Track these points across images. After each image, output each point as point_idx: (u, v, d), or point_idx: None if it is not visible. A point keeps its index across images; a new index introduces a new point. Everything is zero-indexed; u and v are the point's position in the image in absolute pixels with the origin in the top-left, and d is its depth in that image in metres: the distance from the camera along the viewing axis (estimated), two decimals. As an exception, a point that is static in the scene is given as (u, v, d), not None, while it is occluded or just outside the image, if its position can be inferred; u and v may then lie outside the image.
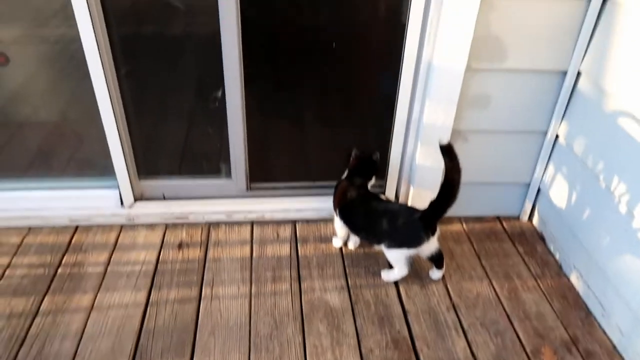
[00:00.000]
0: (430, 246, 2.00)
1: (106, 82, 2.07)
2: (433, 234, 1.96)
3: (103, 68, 2.04)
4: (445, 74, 2.04)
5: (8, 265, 2.16)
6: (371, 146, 2.29)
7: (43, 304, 1.98)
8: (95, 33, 1.96)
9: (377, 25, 2.31)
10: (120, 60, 2.12)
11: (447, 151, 1.83)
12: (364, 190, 2.13)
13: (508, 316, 1.99)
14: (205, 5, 2.10)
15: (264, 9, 2.17)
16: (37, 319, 1.92)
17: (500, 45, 2.02)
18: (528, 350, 1.85)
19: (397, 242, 1.98)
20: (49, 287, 2.06)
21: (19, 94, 2.47)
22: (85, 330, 1.88)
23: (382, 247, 2.04)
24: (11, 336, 1.85)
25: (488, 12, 1.93)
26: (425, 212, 1.94)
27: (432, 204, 1.91)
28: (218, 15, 2.02)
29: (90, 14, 1.92)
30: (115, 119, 2.17)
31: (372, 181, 2.20)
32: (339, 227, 2.21)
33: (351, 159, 2.21)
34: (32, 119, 2.50)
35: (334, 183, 2.31)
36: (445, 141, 1.84)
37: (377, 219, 2.02)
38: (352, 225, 2.13)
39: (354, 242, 2.28)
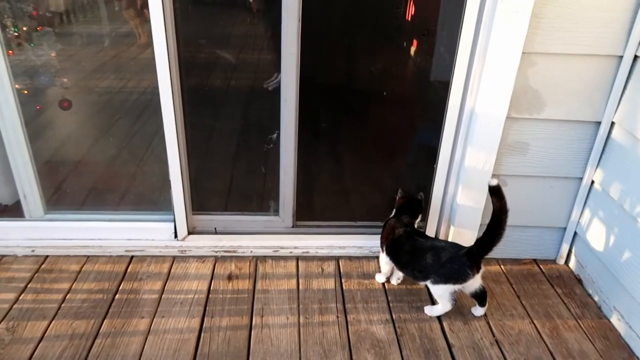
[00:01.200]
0: (475, 283, 2.08)
1: (175, 125, 2.28)
2: (478, 270, 2.05)
3: (174, 113, 2.25)
4: (486, 122, 2.21)
5: (69, 290, 2.29)
6: (414, 188, 2.43)
7: (103, 327, 2.09)
8: (171, 82, 2.19)
9: (422, 77, 2.53)
10: (188, 105, 2.34)
11: (496, 192, 1.95)
12: (411, 228, 2.25)
13: (551, 353, 2.04)
14: (268, 59, 2.36)
15: (320, 64, 2.40)
16: (98, 340, 2.03)
17: (538, 97, 2.19)
18: (573, 386, 1.89)
19: (442, 278, 2.07)
20: (107, 311, 2.18)
21: (80, 135, 2.70)
22: (144, 353, 1.98)
23: (428, 283, 2.13)
24: (74, 355, 1.95)
25: (527, 67, 2.11)
26: (471, 248, 2.04)
27: (479, 241, 2.02)
28: (280, 68, 2.24)
29: (169, 66, 2.15)
30: (180, 158, 2.36)
31: (418, 220, 2.32)
32: (384, 264, 2.32)
33: (397, 198, 2.34)
34: (91, 157, 2.71)
35: (375, 223, 2.45)
36: (494, 182, 1.96)
37: (424, 255, 2.12)
38: (399, 261, 2.23)
39: (396, 278, 2.37)
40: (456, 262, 2.04)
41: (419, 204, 2.31)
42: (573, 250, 2.53)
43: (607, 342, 2.10)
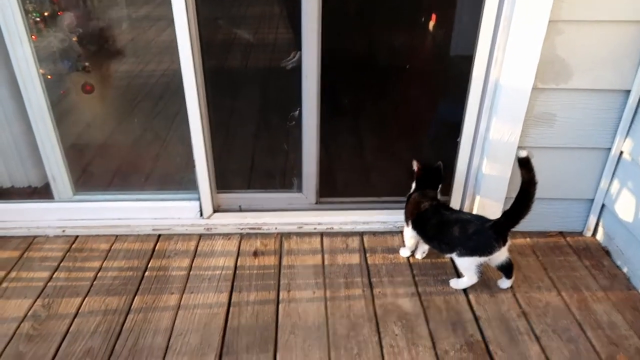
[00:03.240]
0: (501, 255, 2.08)
1: (199, 105, 2.29)
2: (504, 243, 2.04)
3: (197, 93, 2.26)
4: (511, 94, 2.17)
5: (100, 268, 2.35)
6: (436, 162, 2.41)
7: (134, 303, 2.15)
8: (194, 63, 2.20)
9: (443, 50, 2.49)
10: (210, 85, 2.34)
11: (525, 163, 1.93)
12: (436, 201, 2.24)
13: (579, 324, 2.03)
14: (286, 38, 2.34)
15: (342, 38, 2.38)
16: (130, 316, 2.08)
17: (565, 66, 2.14)
18: (603, 357, 1.89)
19: (468, 250, 2.07)
20: (138, 287, 2.23)
21: (103, 118, 2.74)
22: (175, 327, 2.03)
23: (454, 256, 2.13)
24: (108, 330, 2.01)
25: (554, 35, 2.06)
26: (498, 221, 2.03)
27: (506, 213, 2.01)
28: (298, 46, 2.23)
29: (191, 46, 2.16)
30: (203, 138, 2.38)
31: (439, 189, 2.30)
32: (409, 238, 2.32)
33: (416, 170, 2.31)
34: (116, 139, 2.75)
35: (398, 198, 2.44)
36: (524, 154, 1.93)
37: (450, 228, 2.12)
38: (425, 234, 2.23)
39: (421, 252, 2.37)
40: (482, 235, 2.03)
41: (438, 173, 2.29)
42: (601, 222, 2.49)
43: (637, 313, 2.09)
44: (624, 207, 2.29)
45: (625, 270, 2.30)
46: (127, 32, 2.55)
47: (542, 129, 2.28)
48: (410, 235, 2.29)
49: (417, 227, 2.24)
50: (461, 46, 2.41)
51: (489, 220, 2.06)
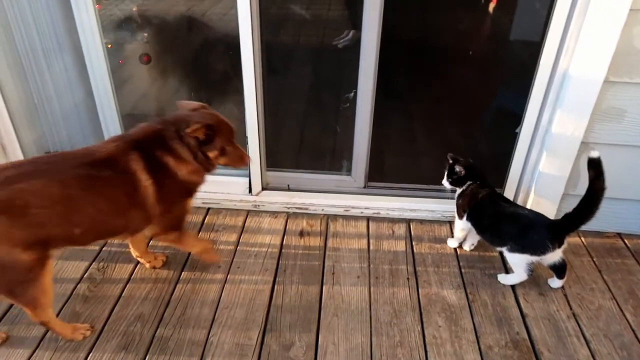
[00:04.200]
0: (554, 256, 2.01)
1: (254, 81, 2.29)
2: (560, 246, 1.97)
3: (254, 70, 2.26)
4: (580, 85, 2.06)
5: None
6: (493, 153, 2.34)
7: (183, 274, 2.21)
8: (252, 38, 2.19)
9: (505, 31, 2.39)
10: (265, 61, 2.33)
11: (596, 165, 1.82)
12: (493, 191, 2.17)
13: (633, 331, 1.95)
14: (341, 15, 2.30)
15: (402, 19, 2.31)
16: (179, 285, 2.15)
17: (642, 59, 2.01)
18: (657, 367, 1.82)
19: (520, 247, 2.01)
20: (187, 259, 2.29)
21: (159, 89, 2.78)
22: (221, 300, 2.08)
23: (504, 250, 2.07)
24: (158, 297, 2.09)
25: (633, 25, 1.93)
26: (557, 222, 1.96)
27: (568, 215, 1.93)
28: (361, 26, 2.18)
29: (251, 21, 2.14)
30: (257, 115, 2.38)
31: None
32: (460, 229, 2.27)
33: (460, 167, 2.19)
34: (170, 110, 2.79)
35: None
36: (596, 154, 1.82)
37: (505, 221, 2.06)
38: (479, 224, 2.17)
39: (470, 244, 2.33)
40: (537, 233, 1.97)
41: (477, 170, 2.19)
42: (663, 226, 2.37)
43: (697, 324, 1.99)
44: (691, 212, 2.17)
45: (687, 278, 2.19)
46: (184, 3, 2.56)
47: (609, 125, 2.17)
48: (461, 227, 2.24)
49: (472, 218, 2.17)
50: (523, 31, 2.30)
51: (548, 220, 1.99)
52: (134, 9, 2.57)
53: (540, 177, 2.30)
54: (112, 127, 2.59)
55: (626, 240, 2.43)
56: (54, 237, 1.63)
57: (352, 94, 2.39)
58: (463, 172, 2.16)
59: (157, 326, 1.95)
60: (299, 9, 2.50)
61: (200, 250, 2.16)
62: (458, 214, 2.24)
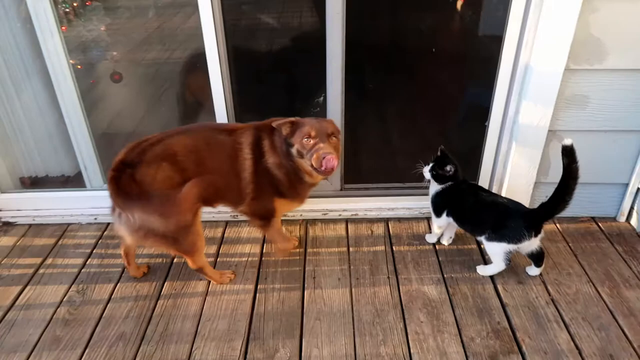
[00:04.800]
0: (532, 245, 2.03)
1: (223, 90, 2.31)
2: (537, 234, 1.99)
3: (222, 79, 2.28)
4: (542, 76, 2.10)
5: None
6: (464, 147, 2.36)
7: (164, 289, 2.20)
8: (218, 50, 2.21)
9: (470, 32, 2.42)
10: (234, 71, 2.35)
11: (569, 153, 1.84)
12: (469, 182, 2.19)
13: (611, 312, 1.98)
14: (312, 22, 2.32)
15: (366, 23, 2.34)
16: (160, 301, 2.14)
17: (599, 45, 2.05)
18: (635, 345, 1.84)
19: (497, 236, 2.03)
20: (167, 274, 2.28)
21: (132, 106, 2.78)
22: (203, 313, 2.07)
23: (483, 239, 2.10)
24: (139, 315, 2.07)
25: (588, 13, 1.98)
26: (533, 211, 1.99)
27: (543, 205, 1.96)
28: (325, 31, 2.20)
29: (216, 33, 2.17)
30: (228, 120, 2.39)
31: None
32: (438, 225, 2.29)
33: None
34: (144, 127, 2.79)
35: (424, 184, 2.40)
36: (568, 142, 1.84)
37: (484, 210, 2.08)
38: (460, 217, 2.17)
39: (447, 238, 2.35)
40: (514, 222, 1.99)
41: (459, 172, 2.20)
42: (635, 207, 2.41)
43: (672, 300, 2.02)
44: (660, 192, 2.21)
45: (661, 256, 2.23)
46: (154, 20, 2.56)
47: (574, 112, 2.21)
48: (441, 224, 2.26)
49: (453, 212, 2.18)
50: (490, 26, 2.34)
51: (525, 209, 2.02)
52: (102, 29, 2.57)
53: (512, 167, 2.34)
54: (84, 148, 2.57)
55: (600, 224, 2.47)
56: None
57: (321, 98, 2.41)
58: (452, 172, 2.14)
59: (140, 344, 1.94)
60: (267, 18, 2.52)
61: (279, 247, 2.30)
62: (436, 213, 2.25)
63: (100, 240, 2.50)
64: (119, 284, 2.23)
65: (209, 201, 2.07)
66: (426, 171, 2.18)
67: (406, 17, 2.43)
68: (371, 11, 2.40)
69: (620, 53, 2.05)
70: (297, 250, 2.39)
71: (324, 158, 1.79)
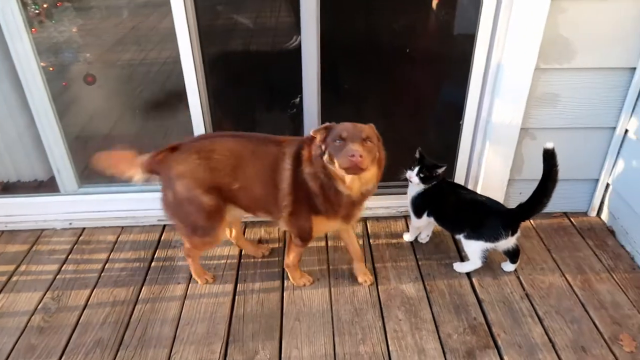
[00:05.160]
0: (509, 243, 2.07)
1: (199, 92, 2.29)
2: (513, 233, 2.04)
3: (197, 81, 2.27)
4: (514, 75, 2.14)
5: (107, 260, 2.38)
6: (440, 146, 2.39)
7: (142, 293, 2.18)
8: (192, 51, 2.19)
9: (443, 34, 2.45)
10: (210, 73, 2.34)
11: (549, 156, 1.88)
12: (448, 181, 2.22)
13: (583, 305, 2.03)
14: (288, 22, 2.32)
15: (341, 23, 2.35)
16: (138, 306, 2.12)
17: (568, 45, 2.10)
18: (606, 336, 1.90)
19: (476, 234, 2.07)
20: (145, 278, 2.26)
21: (106, 109, 2.74)
22: (182, 316, 2.06)
23: (461, 237, 2.13)
24: (117, 321, 2.05)
25: (557, 14, 2.03)
26: (511, 211, 2.03)
27: (521, 205, 2.00)
28: (300, 32, 2.21)
29: (189, 34, 2.15)
30: (204, 126, 2.38)
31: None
32: (417, 226, 2.32)
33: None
34: (119, 130, 2.75)
35: (402, 183, 2.42)
36: (550, 145, 1.87)
37: (463, 209, 2.11)
38: (440, 216, 2.19)
39: (425, 235, 2.38)
40: (492, 221, 2.03)
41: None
42: (605, 202, 2.48)
43: (640, 292, 2.09)
44: (628, 187, 2.28)
45: (629, 249, 2.29)
46: (128, 20, 2.53)
47: (545, 110, 2.26)
48: (420, 224, 2.29)
49: (433, 212, 2.20)
50: (466, 25, 2.36)
51: (503, 208, 2.07)
52: (74, 30, 2.52)
53: (486, 165, 2.38)
54: (57, 152, 2.53)
55: (572, 219, 2.53)
56: (222, 186, 1.91)
57: (297, 100, 2.41)
58: (441, 175, 2.14)
59: (118, 350, 1.92)
60: (245, 19, 2.51)
61: (291, 273, 2.18)
62: (417, 214, 2.26)
63: (76, 246, 2.46)
64: (95, 290, 2.20)
65: (248, 208, 2.05)
66: (413, 175, 2.16)
67: (381, 17, 2.44)
68: (346, 11, 2.41)
69: (587, 52, 2.11)
70: (277, 251, 2.38)
71: (352, 155, 1.64)
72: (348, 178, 1.75)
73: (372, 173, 1.78)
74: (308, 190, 1.86)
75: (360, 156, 1.63)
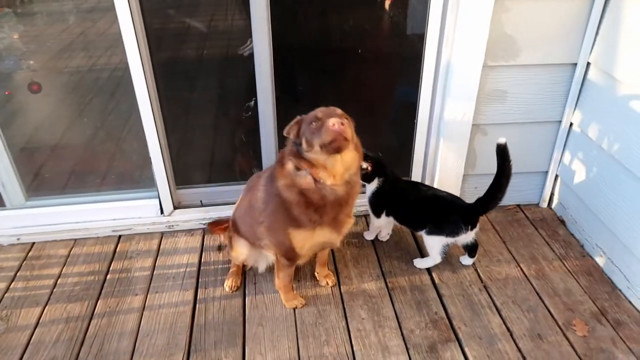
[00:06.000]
0: (468, 237, 2.12)
1: (150, 100, 2.23)
2: (472, 228, 2.08)
3: (147, 87, 2.20)
4: (463, 73, 2.20)
5: (60, 275, 2.28)
6: (397, 145, 2.41)
7: (97, 307, 2.10)
8: (141, 56, 2.13)
9: (396, 34, 2.49)
10: (161, 79, 2.29)
11: (501, 152, 1.92)
12: (406, 180, 2.27)
13: (538, 294, 2.10)
14: (242, 25, 2.30)
15: (293, 25, 2.35)
16: (94, 321, 2.04)
17: (513, 42, 2.17)
18: (560, 323, 1.96)
19: (437, 230, 2.10)
20: (100, 292, 2.18)
21: (54, 118, 2.64)
22: (140, 328, 2.00)
23: (423, 233, 2.16)
24: (71, 337, 1.97)
25: (501, 13, 2.09)
26: (470, 206, 2.07)
27: (478, 200, 2.04)
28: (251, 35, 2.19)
29: (137, 38, 2.09)
30: (157, 133, 2.32)
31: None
32: (377, 226, 2.33)
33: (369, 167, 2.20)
34: (68, 139, 2.66)
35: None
36: (502, 141, 1.91)
37: (425, 205, 2.14)
38: (400, 215, 2.22)
39: (385, 234, 2.40)
40: (453, 216, 2.07)
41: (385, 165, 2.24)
42: (555, 193, 2.57)
43: (590, 278, 2.17)
44: (575, 178, 2.37)
45: (579, 237, 2.39)
46: (75, 26, 2.44)
47: (495, 106, 2.32)
48: (380, 224, 2.30)
49: (393, 211, 2.22)
50: (418, 25, 2.40)
51: (463, 203, 2.11)
52: (15, 37, 2.42)
53: (441, 162, 2.42)
54: (1, 164, 2.41)
55: (525, 211, 2.61)
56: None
57: (252, 103, 2.39)
58: (370, 169, 2.16)
59: (73, 368, 1.84)
60: (197, 23, 2.46)
61: (283, 295, 2.09)
62: (376, 213, 2.27)
63: (25, 262, 2.35)
64: (47, 307, 2.11)
65: (247, 239, 2.05)
66: None
67: (335, 18, 2.45)
68: (298, 13, 2.41)
69: (532, 49, 2.18)
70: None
71: (333, 125, 1.54)
72: (330, 162, 1.65)
73: (352, 156, 1.70)
74: (284, 203, 1.75)
75: (342, 124, 1.56)
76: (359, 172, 1.82)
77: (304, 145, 1.67)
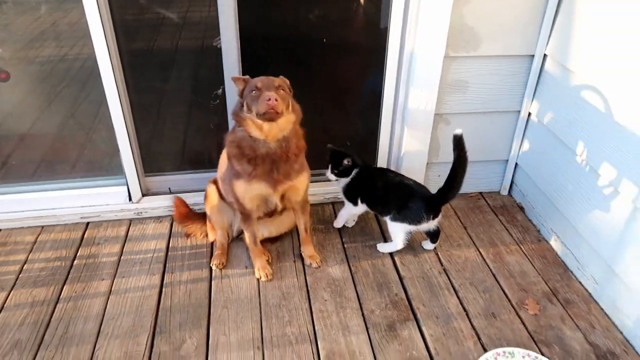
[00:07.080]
0: (430, 225, 2.18)
1: (117, 88, 2.25)
2: (435, 217, 2.15)
3: (114, 77, 2.22)
4: (425, 63, 2.26)
5: (26, 261, 2.29)
6: (365, 134, 2.46)
7: (63, 292, 2.11)
8: (108, 47, 2.15)
9: (361, 24, 2.54)
10: (129, 68, 2.30)
11: (457, 142, 1.97)
12: (376, 167, 2.33)
13: (494, 276, 2.18)
14: (206, 16, 2.32)
15: (260, 14, 2.38)
16: (59, 305, 2.05)
17: (473, 34, 2.24)
18: (513, 302, 2.05)
19: (401, 217, 2.16)
20: (67, 277, 2.19)
21: (23, 108, 2.63)
22: (106, 312, 2.02)
23: (387, 219, 2.21)
24: (36, 321, 1.98)
25: (462, 5, 2.16)
26: (433, 196, 2.13)
27: (440, 190, 2.10)
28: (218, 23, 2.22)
29: (103, 28, 2.10)
30: (125, 121, 2.33)
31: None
32: (353, 213, 2.38)
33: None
34: (38, 128, 2.65)
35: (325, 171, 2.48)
36: (459, 132, 1.96)
37: (391, 192, 2.20)
38: (371, 200, 2.26)
39: (352, 220, 2.46)
40: (416, 205, 2.12)
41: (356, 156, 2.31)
42: (515, 181, 2.66)
43: (545, 261, 2.27)
44: (533, 166, 2.46)
45: (536, 223, 2.48)
46: (48, 15, 2.43)
47: (456, 96, 2.39)
48: (356, 211, 2.35)
49: (366, 197, 2.27)
50: (385, 16, 2.46)
51: (427, 193, 2.17)
52: (-18, 24, 2.40)
53: (406, 150, 2.49)
54: (-34, 151, 2.40)
55: (486, 198, 2.70)
56: None
57: (220, 90, 2.42)
58: (350, 163, 2.23)
59: (37, 350, 1.86)
60: (168, 13, 2.47)
61: (251, 254, 2.24)
62: (352, 201, 2.31)
63: (-10, 248, 2.35)
64: (12, 292, 2.11)
65: (224, 199, 2.23)
66: (330, 175, 2.28)
67: (302, 8, 2.49)
68: (267, 4, 2.44)
69: (491, 41, 2.26)
70: (205, 242, 2.38)
71: (268, 100, 1.77)
72: (265, 126, 1.86)
73: (286, 119, 1.89)
74: (229, 157, 1.99)
75: (276, 100, 1.77)
76: (298, 133, 1.99)
77: (245, 107, 1.89)
